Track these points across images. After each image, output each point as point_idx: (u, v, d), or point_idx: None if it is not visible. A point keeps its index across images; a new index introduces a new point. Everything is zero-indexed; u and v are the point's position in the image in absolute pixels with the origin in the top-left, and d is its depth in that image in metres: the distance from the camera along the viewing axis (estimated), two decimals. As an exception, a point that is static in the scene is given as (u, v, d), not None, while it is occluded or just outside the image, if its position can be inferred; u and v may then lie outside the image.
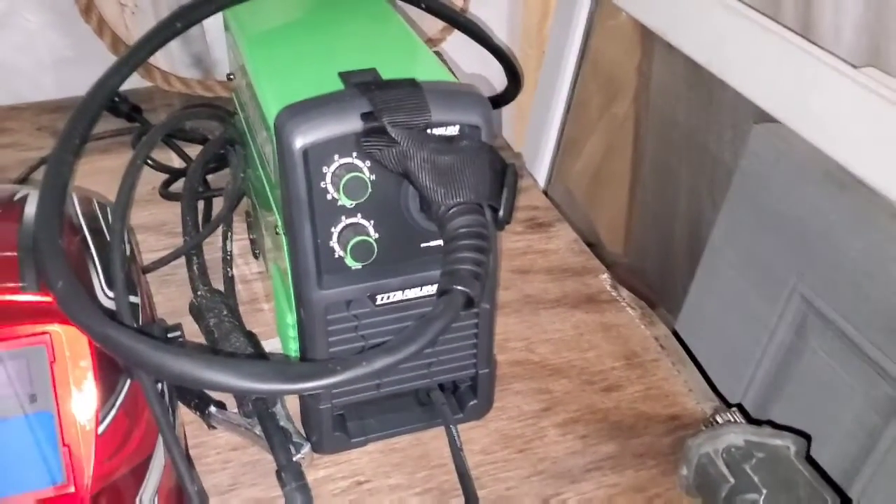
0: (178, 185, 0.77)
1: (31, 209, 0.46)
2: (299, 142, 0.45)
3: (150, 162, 0.78)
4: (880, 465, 0.66)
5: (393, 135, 0.45)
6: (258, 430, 0.53)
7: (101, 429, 0.43)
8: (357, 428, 0.54)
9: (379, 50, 0.55)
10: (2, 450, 0.41)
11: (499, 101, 0.79)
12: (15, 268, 0.43)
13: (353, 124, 0.45)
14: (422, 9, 0.67)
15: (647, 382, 0.60)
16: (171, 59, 0.90)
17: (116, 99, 0.89)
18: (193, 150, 0.79)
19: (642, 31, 0.95)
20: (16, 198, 0.47)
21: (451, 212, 0.44)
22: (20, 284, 0.42)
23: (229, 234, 0.66)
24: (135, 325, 0.47)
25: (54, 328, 0.42)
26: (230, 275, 0.64)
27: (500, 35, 1.08)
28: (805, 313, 0.74)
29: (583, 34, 0.99)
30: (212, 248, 0.67)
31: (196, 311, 0.59)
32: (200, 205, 0.73)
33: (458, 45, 0.97)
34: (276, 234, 0.51)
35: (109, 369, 0.44)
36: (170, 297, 0.66)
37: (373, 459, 0.54)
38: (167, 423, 0.44)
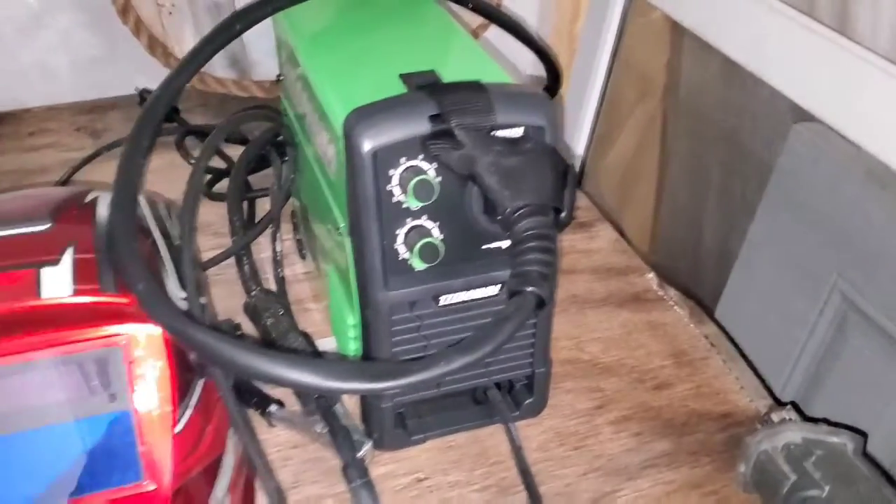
0: (220, 186, 0.78)
1: (102, 211, 0.47)
2: (368, 144, 0.45)
3: (191, 161, 0.79)
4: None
5: (460, 138, 0.45)
6: (318, 427, 0.53)
7: (177, 428, 0.43)
8: (416, 426, 0.55)
9: (435, 51, 0.56)
10: (83, 449, 0.42)
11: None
12: (93, 270, 0.43)
13: (420, 127, 0.46)
14: (468, 8, 0.67)
15: (697, 380, 0.61)
16: (208, 59, 0.91)
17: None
18: (231, 151, 0.80)
19: (673, 29, 0.96)
20: (87, 200, 0.48)
21: (517, 214, 0.45)
22: (98, 286, 0.43)
23: (278, 234, 0.67)
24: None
25: (131, 329, 0.42)
26: (281, 275, 0.65)
27: (530, 32, 1.09)
28: (845, 311, 0.74)
29: (616, 32, 0.99)
30: (259, 247, 0.68)
31: (252, 311, 0.60)
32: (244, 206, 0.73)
33: (488, 41, 0.98)
34: (339, 235, 0.52)
35: (183, 369, 0.44)
36: (219, 296, 0.66)
37: (431, 457, 0.55)
38: (245, 421, 0.45)
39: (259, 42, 0.90)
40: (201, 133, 0.84)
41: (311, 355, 0.56)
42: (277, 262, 0.65)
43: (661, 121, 1.05)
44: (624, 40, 1.01)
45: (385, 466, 0.54)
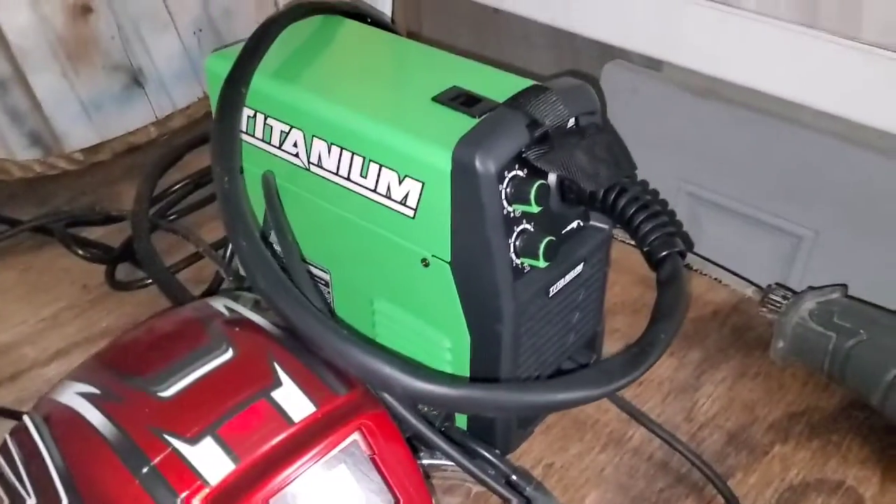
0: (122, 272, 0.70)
1: (254, 316, 0.43)
2: (491, 166, 0.46)
3: (80, 252, 0.69)
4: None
5: (553, 137, 0.49)
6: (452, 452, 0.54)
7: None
8: (521, 421, 0.57)
9: (427, 68, 0.57)
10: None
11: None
12: (312, 377, 0.40)
13: (523, 138, 0.48)
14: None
15: (676, 294, 0.70)
16: (4, 143, 0.78)
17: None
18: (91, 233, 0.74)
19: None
20: (223, 311, 0.43)
21: (615, 190, 0.50)
22: (329, 390, 0.40)
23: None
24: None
25: (365, 421, 0.40)
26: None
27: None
28: (694, 207, 0.88)
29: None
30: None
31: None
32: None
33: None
34: (425, 266, 0.51)
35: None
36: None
37: (540, 444, 0.58)
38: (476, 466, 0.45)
39: (63, 110, 0.79)
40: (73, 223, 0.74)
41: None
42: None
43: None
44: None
45: (513, 466, 0.56)
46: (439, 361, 0.55)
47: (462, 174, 0.47)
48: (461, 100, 0.51)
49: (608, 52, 0.91)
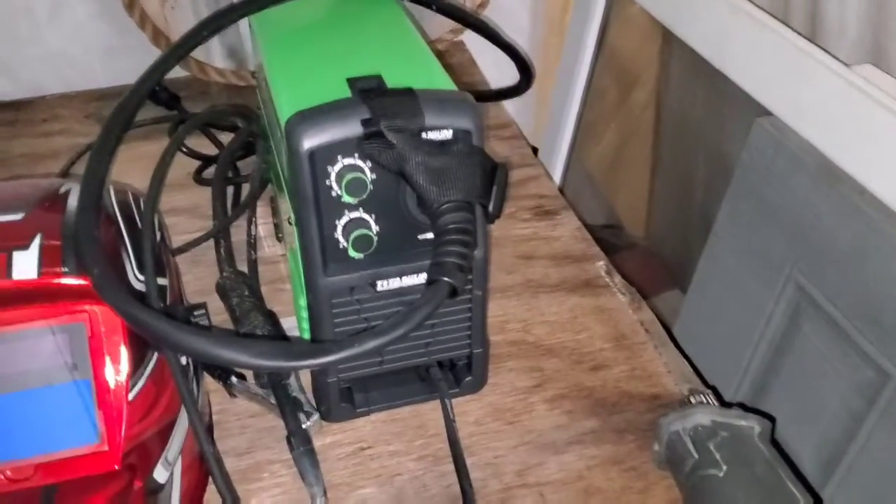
0: (210, 171, 0.83)
1: (73, 201, 0.52)
2: (306, 144, 0.50)
3: (184, 149, 0.84)
4: (862, 449, 0.70)
5: (390, 139, 0.50)
6: (273, 399, 0.59)
7: (131, 395, 0.49)
8: (362, 399, 0.60)
9: (385, 55, 0.60)
10: (47, 412, 0.48)
11: (512, 93, 0.84)
12: (58, 255, 0.49)
13: (354, 129, 0.50)
14: (433, 9, 0.71)
15: (632, 364, 0.65)
16: (207, 50, 0.96)
17: (157, 88, 0.95)
18: (224, 138, 0.86)
19: (656, 22, 0.99)
20: (61, 191, 0.53)
21: (441, 208, 0.49)
22: (63, 269, 0.48)
23: (254, 218, 0.72)
24: (161, 306, 0.53)
25: (92, 308, 0.48)
26: (253, 257, 0.70)
27: (524, 23, 1.12)
28: (798, 300, 0.77)
29: (600, 24, 1.02)
30: (240, 230, 0.73)
31: (221, 291, 0.65)
32: (230, 190, 0.79)
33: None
34: (290, 224, 0.57)
35: (139, 344, 0.50)
36: (199, 276, 0.72)
37: (375, 428, 0.60)
38: (188, 392, 0.51)
39: (254, 34, 0.95)
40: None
41: (269, 333, 0.61)
42: (251, 245, 0.71)
43: (653, 112, 1.09)
44: (608, 32, 1.04)
45: (333, 436, 0.59)
46: (300, 319, 0.59)
47: (288, 143, 0.51)
48: (366, 86, 0.54)
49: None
